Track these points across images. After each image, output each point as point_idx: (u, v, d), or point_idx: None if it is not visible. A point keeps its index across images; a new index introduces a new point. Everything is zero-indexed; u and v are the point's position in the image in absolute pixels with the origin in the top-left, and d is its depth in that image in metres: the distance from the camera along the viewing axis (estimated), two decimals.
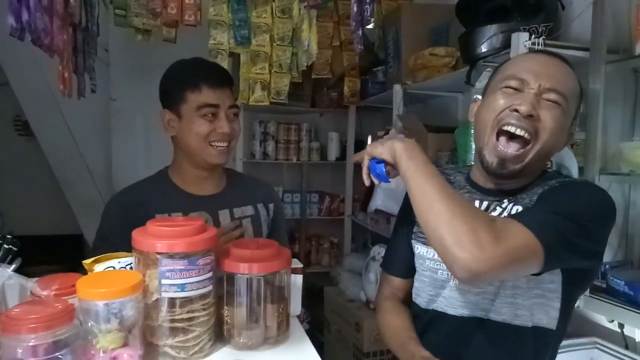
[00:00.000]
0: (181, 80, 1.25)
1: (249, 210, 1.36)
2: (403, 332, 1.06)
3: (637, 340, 1.40)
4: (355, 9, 1.60)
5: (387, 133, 2.44)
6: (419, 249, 1.09)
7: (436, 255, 1.02)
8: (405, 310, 1.13)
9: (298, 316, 1.11)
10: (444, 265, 0.96)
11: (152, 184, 1.32)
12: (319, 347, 0.96)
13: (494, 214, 0.98)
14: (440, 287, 1.03)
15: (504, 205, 0.98)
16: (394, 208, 2.31)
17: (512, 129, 0.91)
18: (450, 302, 1.01)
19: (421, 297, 1.08)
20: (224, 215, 1.31)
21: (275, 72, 2.48)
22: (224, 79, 1.28)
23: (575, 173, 1.40)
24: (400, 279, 1.17)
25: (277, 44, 2.44)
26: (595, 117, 1.42)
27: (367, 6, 1.59)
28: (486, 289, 0.96)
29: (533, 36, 1.47)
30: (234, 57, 2.53)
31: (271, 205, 1.44)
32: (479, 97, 1.04)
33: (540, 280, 0.93)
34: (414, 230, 1.11)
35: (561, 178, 0.99)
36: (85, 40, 2.28)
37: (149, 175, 1.37)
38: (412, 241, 1.11)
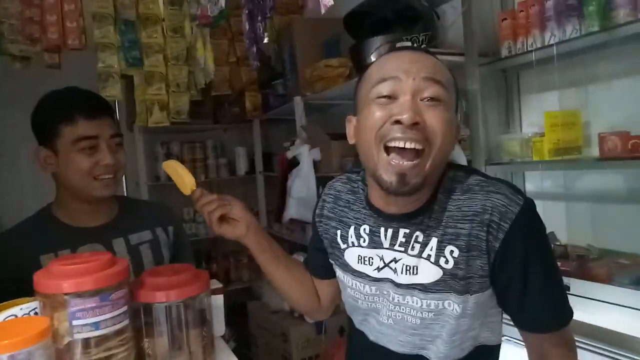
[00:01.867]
0: (53, 113, 1.15)
1: (146, 235, 1.30)
2: None
3: None
4: (247, 26, 1.63)
5: (293, 144, 2.51)
6: (338, 272, 1.02)
7: (355, 284, 0.95)
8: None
9: (223, 336, 1.11)
10: (363, 295, 0.94)
11: (33, 225, 1.21)
12: None
13: (400, 242, 0.88)
14: (364, 314, 0.98)
15: (414, 235, 0.86)
16: (308, 215, 2.37)
17: (400, 144, 0.78)
18: (389, 338, 0.93)
19: (354, 317, 1.03)
20: (118, 244, 1.24)
21: (173, 91, 2.42)
22: (102, 108, 1.19)
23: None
24: (317, 279, 1.11)
25: (172, 63, 2.38)
26: (476, 114, 1.58)
27: (260, 23, 1.63)
28: (422, 332, 0.88)
29: (415, 44, 1.60)
30: (127, 79, 2.44)
31: (170, 228, 1.38)
32: (352, 117, 0.92)
33: (485, 306, 0.86)
34: (330, 250, 1.03)
35: (458, 183, 0.86)
36: None
37: (39, 208, 1.26)
38: (330, 260, 1.04)
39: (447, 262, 0.83)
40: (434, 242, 0.85)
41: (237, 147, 3.33)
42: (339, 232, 1.00)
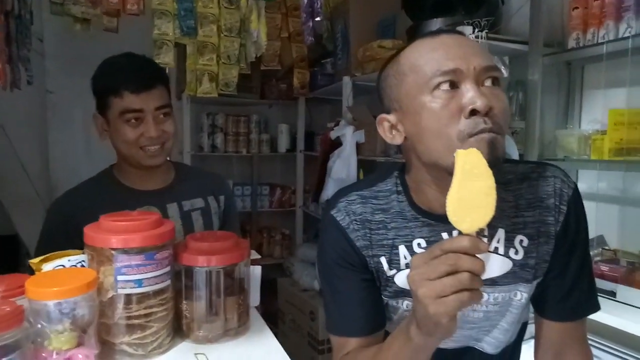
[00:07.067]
0: (104, 84, 1.19)
1: (198, 202, 1.34)
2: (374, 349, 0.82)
3: None
4: (305, 1, 1.60)
5: (337, 124, 2.48)
6: (390, 302, 0.87)
7: (409, 306, 0.85)
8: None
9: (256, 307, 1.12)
10: None
11: (96, 184, 1.28)
12: None
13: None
14: None
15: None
16: None
17: (487, 137, 0.69)
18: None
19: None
20: (172, 209, 1.29)
21: (224, 63, 2.43)
22: (150, 81, 1.18)
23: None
24: (366, 337, 0.86)
25: (225, 35, 2.39)
26: (534, 106, 1.51)
27: None
28: (480, 325, 0.85)
29: (476, 29, 1.53)
30: (180, 47, 2.46)
31: (222, 197, 1.42)
32: (387, 115, 0.85)
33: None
34: (377, 283, 0.87)
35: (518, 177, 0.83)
36: (19, 29, 2.15)
37: (91, 171, 1.32)
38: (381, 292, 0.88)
39: (516, 252, 0.81)
40: (501, 233, 0.81)
41: (281, 123, 3.34)
42: (383, 258, 0.85)
